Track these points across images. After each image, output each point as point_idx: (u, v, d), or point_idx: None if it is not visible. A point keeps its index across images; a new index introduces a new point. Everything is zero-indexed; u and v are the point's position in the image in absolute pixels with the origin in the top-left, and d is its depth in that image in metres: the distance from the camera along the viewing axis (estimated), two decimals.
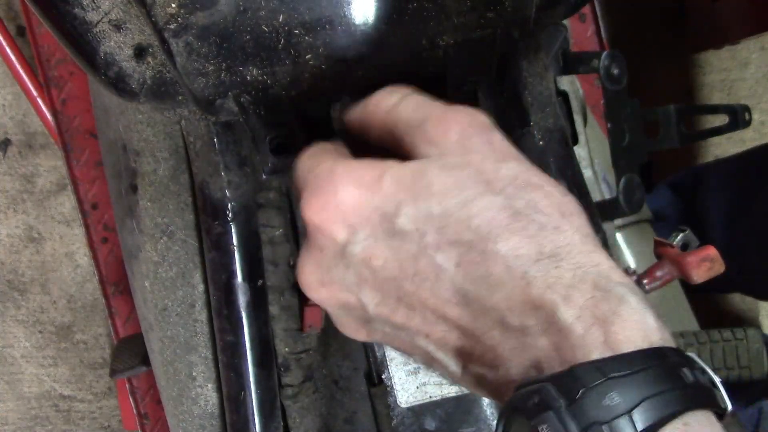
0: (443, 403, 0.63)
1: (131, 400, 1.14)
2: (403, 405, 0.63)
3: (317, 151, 0.38)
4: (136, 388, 1.14)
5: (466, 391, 0.63)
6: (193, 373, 0.57)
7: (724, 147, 1.54)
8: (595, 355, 0.28)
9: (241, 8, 0.40)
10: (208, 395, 0.57)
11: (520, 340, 0.30)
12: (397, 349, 0.38)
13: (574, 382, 0.27)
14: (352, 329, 0.38)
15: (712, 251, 0.49)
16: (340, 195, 0.33)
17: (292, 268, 0.59)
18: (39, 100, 1.20)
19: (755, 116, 1.55)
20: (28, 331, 1.56)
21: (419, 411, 0.63)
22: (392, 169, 0.34)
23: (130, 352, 0.85)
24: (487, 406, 0.63)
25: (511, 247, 0.31)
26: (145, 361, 0.79)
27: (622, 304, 0.29)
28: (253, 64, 0.42)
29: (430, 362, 0.36)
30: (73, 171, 1.11)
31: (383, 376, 0.63)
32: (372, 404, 0.63)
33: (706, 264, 0.48)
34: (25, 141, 1.54)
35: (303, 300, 0.59)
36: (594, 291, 0.30)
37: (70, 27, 0.43)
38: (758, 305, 1.55)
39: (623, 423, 0.27)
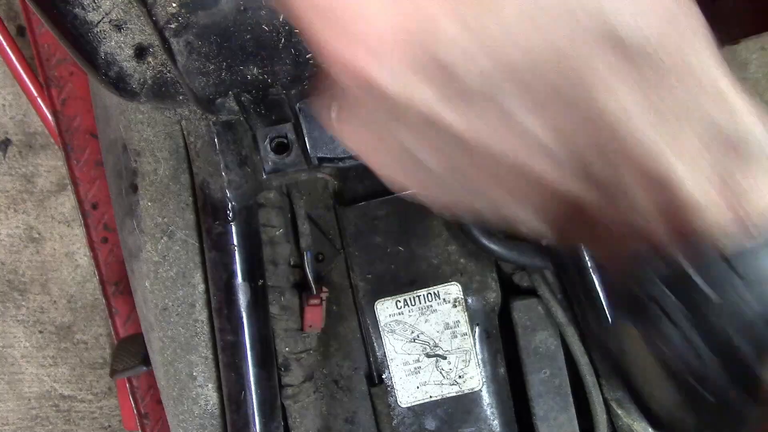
0: (443, 402, 0.63)
1: (131, 400, 1.14)
2: (403, 405, 0.63)
3: None
4: (137, 388, 1.14)
5: (466, 390, 0.63)
6: (194, 373, 0.57)
7: None
8: (723, 239, 0.23)
9: (242, 7, 0.40)
10: (208, 395, 0.57)
11: (635, 215, 0.24)
12: (463, 210, 0.29)
13: (700, 281, 0.22)
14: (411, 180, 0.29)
15: None
16: (363, 15, 0.23)
17: (293, 267, 0.59)
18: (39, 100, 1.20)
19: None
20: (29, 331, 1.56)
21: (419, 411, 0.63)
22: None
23: (131, 352, 0.85)
24: (487, 407, 0.63)
25: (619, 100, 0.23)
26: (146, 361, 0.79)
27: (760, 166, 0.23)
28: (253, 63, 0.42)
29: (512, 224, 0.28)
30: (73, 171, 1.11)
31: (383, 376, 0.63)
32: (372, 404, 0.63)
33: None
34: (25, 141, 1.54)
35: (303, 300, 0.59)
36: (726, 153, 0.23)
37: (71, 27, 0.43)
38: None
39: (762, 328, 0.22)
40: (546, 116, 0.23)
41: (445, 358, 0.63)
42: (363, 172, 0.55)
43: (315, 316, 0.58)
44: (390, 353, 0.63)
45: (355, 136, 0.28)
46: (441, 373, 0.63)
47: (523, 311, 0.61)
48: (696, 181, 0.23)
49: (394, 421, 0.63)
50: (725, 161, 0.23)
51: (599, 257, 0.27)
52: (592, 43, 0.22)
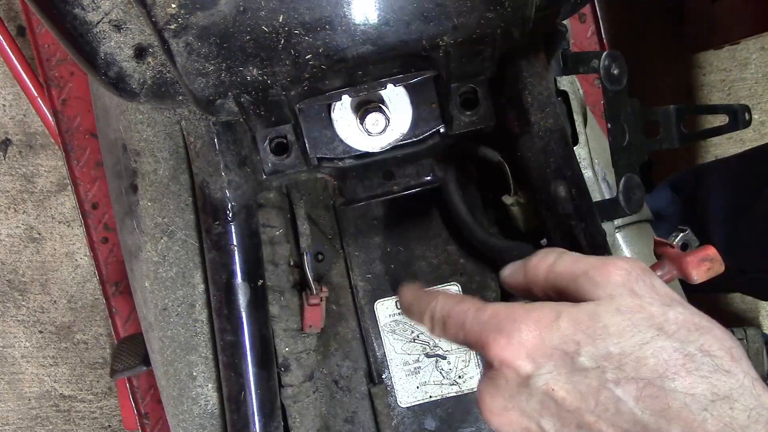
0: (443, 402, 0.63)
1: (131, 400, 1.14)
2: (403, 405, 0.63)
3: (457, 298, 0.43)
4: (137, 388, 1.14)
5: (466, 390, 0.63)
6: (194, 373, 0.57)
7: (724, 147, 1.54)
8: None
9: (241, 8, 0.40)
10: (208, 395, 0.57)
11: None
12: None
13: None
14: None
15: (711, 251, 0.49)
16: (524, 333, 0.37)
17: (293, 267, 0.59)
18: (39, 100, 1.20)
19: (755, 116, 1.56)
20: (29, 331, 1.56)
21: (419, 411, 0.63)
22: (568, 309, 0.38)
23: (130, 352, 0.85)
24: None
25: (687, 385, 0.34)
26: (145, 361, 0.79)
27: None
28: (253, 64, 0.42)
29: None
30: (73, 171, 1.11)
31: (383, 376, 0.63)
32: (372, 404, 0.63)
33: (705, 264, 0.48)
34: (25, 141, 1.54)
35: (303, 300, 0.59)
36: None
37: (71, 27, 0.43)
38: (758, 305, 1.55)
39: None
40: (634, 391, 0.35)
41: (444, 358, 0.63)
42: (363, 172, 0.55)
43: (315, 316, 0.58)
44: (390, 353, 0.63)
45: (496, 403, 0.40)
46: (441, 373, 0.63)
47: None
48: None
49: (394, 421, 0.63)
50: None
51: None
52: (671, 351, 0.35)
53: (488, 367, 0.40)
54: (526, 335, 0.38)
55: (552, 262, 0.41)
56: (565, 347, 0.37)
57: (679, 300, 0.38)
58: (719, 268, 0.49)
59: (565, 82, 0.69)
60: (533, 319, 0.38)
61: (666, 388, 0.34)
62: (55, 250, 1.56)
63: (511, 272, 0.45)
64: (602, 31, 1.08)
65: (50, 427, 1.57)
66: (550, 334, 0.37)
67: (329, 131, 0.50)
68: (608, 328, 0.36)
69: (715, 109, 0.60)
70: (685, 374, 0.34)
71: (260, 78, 0.42)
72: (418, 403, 0.63)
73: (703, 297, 1.48)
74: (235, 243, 0.52)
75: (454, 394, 0.63)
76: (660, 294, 0.38)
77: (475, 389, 0.62)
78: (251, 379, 0.53)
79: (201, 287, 0.56)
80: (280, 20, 0.40)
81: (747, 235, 1.04)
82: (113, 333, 1.15)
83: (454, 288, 0.62)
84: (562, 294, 0.41)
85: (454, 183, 0.56)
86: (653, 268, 0.51)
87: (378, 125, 0.47)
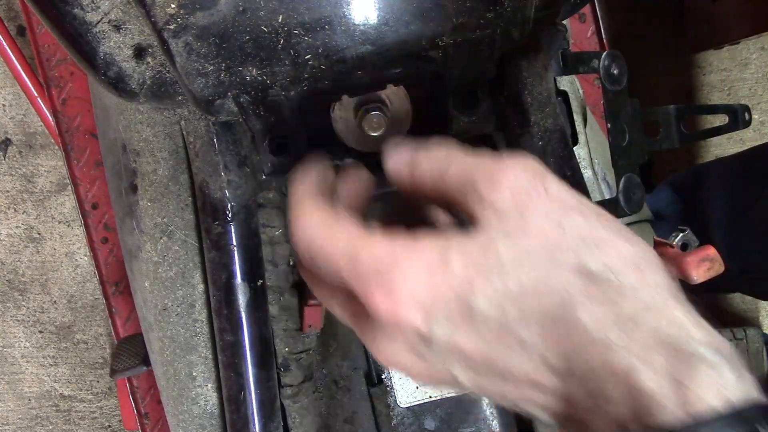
0: (443, 403, 0.63)
1: (131, 399, 1.14)
2: (403, 405, 0.63)
3: (329, 222, 0.36)
4: (136, 388, 1.14)
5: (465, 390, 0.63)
6: (193, 373, 0.57)
7: (724, 147, 1.54)
8: (671, 419, 0.29)
9: (241, 8, 0.40)
10: (208, 395, 0.57)
11: (604, 406, 0.31)
12: (495, 400, 0.39)
13: None
14: (437, 385, 0.39)
15: (711, 251, 0.49)
16: (411, 282, 0.33)
17: (293, 267, 0.59)
18: (39, 100, 1.20)
19: (755, 116, 1.56)
20: (29, 331, 1.56)
21: (419, 411, 0.63)
22: (456, 245, 0.33)
23: (130, 352, 0.85)
24: (487, 407, 0.63)
25: (590, 312, 0.31)
26: (145, 361, 0.79)
27: (700, 363, 0.30)
28: (252, 64, 0.42)
29: (525, 412, 0.37)
30: (73, 171, 1.11)
31: (383, 376, 0.63)
32: (372, 404, 0.63)
33: (705, 264, 0.48)
34: (25, 141, 1.54)
35: (303, 300, 0.59)
36: (673, 352, 0.30)
37: (70, 27, 0.43)
38: (758, 305, 1.55)
39: None
40: (539, 330, 0.32)
41: None
42: None
43: (314, 316, 0.58)
44: None
45: (393, 357, 0.36)
46: None
47: None
48: (650, 376, 0.30)
49: (394, 421, 0.63)
50: (674, 361, 0.30)
51: None
52: (570, 275, 0.32)
53: (371, 314, 0.34)
54: (414, 284, 0.32)
55: (441, 168, 0.37)
56: (459, 291, 0.32)
57: (575, 206, 0.34)
58: (719, 268, 0.49)
59: (565, 82, 0.69)
60: (420, 261, 0.33)
61: (569, 320, 0.31)
62: (55, 250, 1.56)
63: (396, 168, 0.39)
64: (602, 31, 1.08)
65: (50, 427, 1.57)
66: (441, 279, 0.32)
67: (329, 131, 0.50)
68: (502, 260, 0.32)
69: (715, 109, 0.60)
70: (588, 301, 0.31)
71: (260, 78, 0.42)
72: (417, 403, 0.63)
73: (703, 297, 1.48)
74: (234, 243, 0.52)
75: (454, 395, 0.63)
76: (554, 200, 0.34)
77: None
78: (251, 379, 0.53)
79: (201, 287, 0.56)
80: (280, 20, 0.40)
81: (747, 235, 1.04)
82: (113, 333, 1.15)
83: None
84: (450, 207, 0.37)
85: None
86: None
87: (378, 125, 0.47)
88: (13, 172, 1.54)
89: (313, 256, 0.36)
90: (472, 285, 0.32)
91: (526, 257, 0.32)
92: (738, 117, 0.57)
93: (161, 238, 0.56)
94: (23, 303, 1.56)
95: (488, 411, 0.63)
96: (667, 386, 0.29)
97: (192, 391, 0.57)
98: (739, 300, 1.55)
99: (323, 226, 0.36)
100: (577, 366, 0.32)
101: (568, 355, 0.32)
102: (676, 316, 0.31)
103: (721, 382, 0.29)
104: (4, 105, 1.53)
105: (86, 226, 1.12)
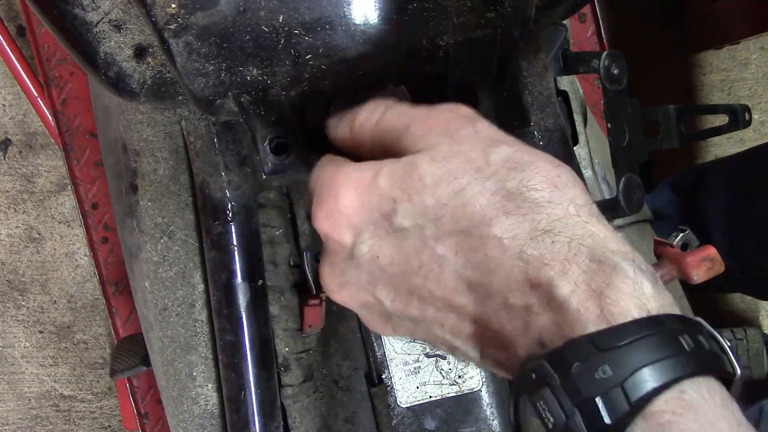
0: (443, 402, 0.63)
1: (131, 400, 1.14)
2: (403, 405, 0.63)
3: (324, 162, 0.40)
4: (137, 388, 1.14)
5: (466, 390, 0.63)
6: (194, 373, 0.57)
7: (724, 147, 1.54)
8: (591, 328, 0.28)
9: (241, 8, 0.40)
10: (208, 395, 0.57)
11: (524, 320, 0.31)
12: (423, 340, 0.39)
13: (567, 358, 0.28)
14: (378, 326, 0.39)
15: (711, 251, 0.49)
16: (342, 200, 0.35)
17: (293, 267, 0.59)
18: (39, 100, 1.20)
19: (755, 116, 1.56)
20: (29, 331, 1.56)
21: (419, 411, 0.63)
22: (386, 166, 0.35)
23: (130, 352, 0.85)
24: (487, 407, 0.63)
25: (506, 228, 0.31)
26: (145, 361, 0.79)
27: (617, 274, 0.29)
28: (253, 64, 0.42)
29: (452, 350, 0.36)
30: (73, 171, 1.11)
31: (383, 376, 0.63)
32: (372, 404, 0.63)
33: (705, 264, 0.48)
34: (25, 141, 1.54)
35: (303, 300, 0.59)
36: (589, 263, 0.30)
37: (71, 27, 0.43)
38: (758, 305, 1.55)
39: (616, 395, 0.27)
40: (455, 246, 0.32)
41: (444, 358, 0.63)
42: None
43: (315, 316, 0.58)
44: (390, 353, 0.63)
45: (327, 277, 0.39)
46: (441, 373, 0.63)
47: None
48: (569, 287, 0.29)
49: (394, 421, 0.63)
50: (592, 273, 0.30)
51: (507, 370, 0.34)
52: (488, 194, 0.32)
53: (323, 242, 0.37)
54: (345, 201, 0.35)
55: (377, 119, 0.38)
56: (383, 207, 0.34)
57: (504, 139, 0.35)
58: (719, 268, 0.49)
59: (565, 82, 0.69)
60: (352, 180, 0.35)
61: (485, 236, 0.31)
62: (55, 250, 1.56)
63: (336, 125, 0.42)
64: (602, 31, 1.08)
65: (50, 427, 1.57)
66: (368, 196, 0.34)
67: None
68: (424, 179, 0.33)
69: (715, 109, 0.60)
70: (504, 216, 0.31)
71: (260, 78, 0.42)
72: (418, 403, 0.63)
73: (703, 297, 1.48)
74: (235, 243, 0.52)
75: (454, 394, 0.63)
76: (482, 137, 0.35)
77: (475, 389, 0.62)
78: (251, 379, 0.53)
79: (201, 287, 0.56)
80: (280, 20, 0.40)
81: (747, 235, 1.04)
82: (113, 333, 1.15)
83: None
84: (389, 153, 0.37)
85: None
86: (653, 268, 0.51)
87: None
88: (13, 172, 1.54)
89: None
90: (394, 201, 0.34)
91: (446, 177, 0.33)
92: (738, 117, 0.57)
93: (161, 238, 0.56)
94: (23, 303, 1.56)
95: (488, 411, 0.63)
96: (587, 297, 0.29)
97: (192, 391, 0.57)
98: (739, 300, 1.55)
99: (332, 163, 0.39)
100: (494, 282, 0.31)
101: (484, 270, 0.32)
102: (591, 229, 0.31)
103: (640, 293, 0.29)
104: (4, 105, 1.53)
105: (86, 226, 1.12)
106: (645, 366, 0.27)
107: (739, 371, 0.29)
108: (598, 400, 0.27)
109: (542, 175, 0.33)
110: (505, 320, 0.31)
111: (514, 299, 0.31)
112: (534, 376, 0.28)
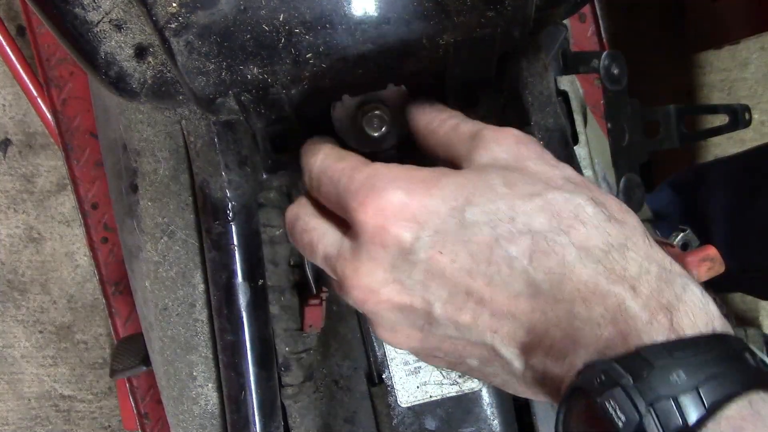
0: (443, 402, 0.63)
1: (131, 399, 1.14)
2: (404, 404, 0.63)
3: (342, 154, 0.38)
4: (136, 388, 1.14)
5: (466, 390, 0.63)
6: (194, 373, 0.57)
7: (724, 147, 1.54)
8: (661, 339, 0.29)
9: (242, 7, 0.40)
10: (208, 395, 0.57)
11: (589, 330, 0.31)
12: (443, 360, 0.37)
13: (640, 361, 0.29)
14: (403, 336, 0.36)
15: (712, 251, 0.49)
16: (400, 194, 0.33)
17: (293, 267, 0.59)
18: (39, 100, 1.20)
19: (755, 116, 1.56)
20: (28, 331, 1.56)
21: (419, 410, 0.63)
22: (448, 174, 0.34)
23: (130, 352, 0.85)
24: (488, 407, 0.63)
25: (581, 237, 0.32)
26: (145, 361, 0.79)
27: (686, 293, 0.31)
28: (253, 63, 0.42)
29: (487, 363, 0.35)
30: (73, 171, 1.11)
31: (383, 376, 0.63)
32: (372, 404, 0.63)
33: (706, 264, 0.48)
34: (25, 141, 1.54)
35: (303, 300, 0.59)
36: (659, 281, 0.31)
37: (71, 27, 0.43)
38: (758, 305, 1.55)
39: (690, 398, 0.28)
40: (529, 245, 0.32)
41: None
42: None
43: (315, 316, 0.58)
44: (390, 353, 0.63)
45: (367, 276, 0.35)
46: (441, 372, 0.63)
47: None
48: (639, 300, 0.30)
49: (394, 421, 0.63)
50: (660, 287, 0.31)
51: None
52: (565, 203, 0.33)
53: (355, 235, 0.34)
54: (403, 196, 0.33)
55: (457, 123, 0.38)
56: (452, 203, 0.33)
57: (567, 165, 0.36)
58: (719, 267, 0.49)
59: (565, 82, 0.69)
60: (410, 178, 0.33)
61: (560, 243, 0.31)
62: (55, 250, 1.56)
63: (417, 111, 0.41)
64: (602, 31, 1.08)
65: (50, 427, 1.57)
66: (429, 195, 0.33)
67: (329, 130, 0.50)
68: (495, 187, 0.33)
69: (715, 109, 0.60)
70: (579, 225, 0.32)
71: (261, 77, 0.42)
72: (418, 402, 0.63)
73: None
74: (235, 243, 0.52)
75: (455, 394, 0.63)
76: (547, 159, 0.36)
77: (475, 389, 0.62)
78: (251, 379, 0.53)
79: (201, 287, 0.56)
80: (281, 19, 0.40)
81: (747, 235, 1.04)
82: (113, 333, 1.15)
83: None
84: (450, 158, 0.37)
85: None
86: None
87: (378, 125, 0.47)
88: (13, 172, 1.54)
89: (320, 177, 0.37)
90: (466, 197, 0.33)
91: (517, 182, 0.33)
92: (738, 117, 0.57)
93: (162, 237, 0.56)
94: (23, 303, 1.56)
95: (489, 411, 0.63)
96: (658, 310, 0.30)
97: (192, 391, 0.57)
98: (739, 300, 1.55)
99: (337, 156, 0.38)
100: (564, 289, 0.31)
101: (554, 277, 0.31)
102: (658, 250, 0.33)
103: (707, 311, 0.31)
104: (4, 105, 1.53)
105: (86, 226, 1.12)
106: (717, 374, 0.28)
107: None
108: (674, 401, 0.28)
109: (608, 196, 0.34)
110: (567, 329, 0.31)
111: (582, 308, 0.31)
112: (603, 377, 0.29)
